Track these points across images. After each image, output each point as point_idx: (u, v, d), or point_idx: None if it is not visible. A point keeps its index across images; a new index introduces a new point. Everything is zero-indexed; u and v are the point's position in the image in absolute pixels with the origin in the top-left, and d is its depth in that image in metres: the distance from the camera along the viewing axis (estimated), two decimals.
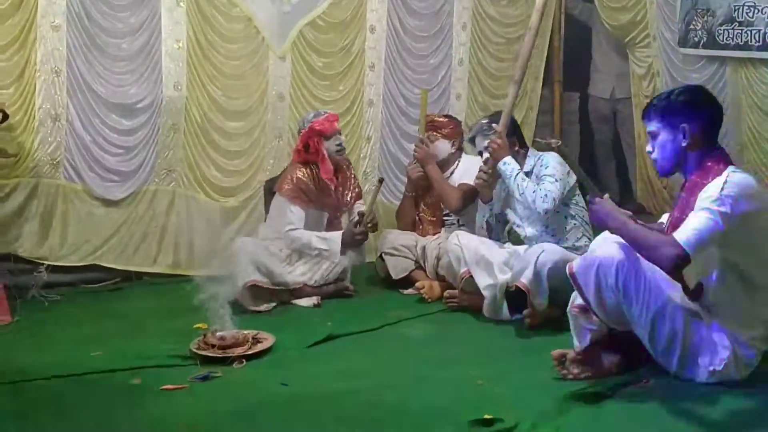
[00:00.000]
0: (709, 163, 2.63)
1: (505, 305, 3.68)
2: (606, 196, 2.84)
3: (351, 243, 4.15)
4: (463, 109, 5.41)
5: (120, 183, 4.43)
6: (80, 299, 4.15)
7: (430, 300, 4.06)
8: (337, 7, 4.92)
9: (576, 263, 2.75)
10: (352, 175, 4.42)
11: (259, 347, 3.18)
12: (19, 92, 4.12)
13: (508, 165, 3.66)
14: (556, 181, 3.63)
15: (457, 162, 4.42)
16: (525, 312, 3.51)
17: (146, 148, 4.47)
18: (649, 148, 2.78)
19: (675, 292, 2.71)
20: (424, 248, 4.35)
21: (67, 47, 4.22)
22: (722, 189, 2.52)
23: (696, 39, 4.83)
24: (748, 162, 4.71)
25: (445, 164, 4.39)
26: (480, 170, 3.82)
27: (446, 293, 3.97)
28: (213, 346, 3.12)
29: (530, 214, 3.72)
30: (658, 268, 2.61)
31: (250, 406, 2.65)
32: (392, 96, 5.20)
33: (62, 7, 4.17)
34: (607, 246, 2.71)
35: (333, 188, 4.24)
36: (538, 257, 3.49)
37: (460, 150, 4.46)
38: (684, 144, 2.65)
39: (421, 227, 4.50)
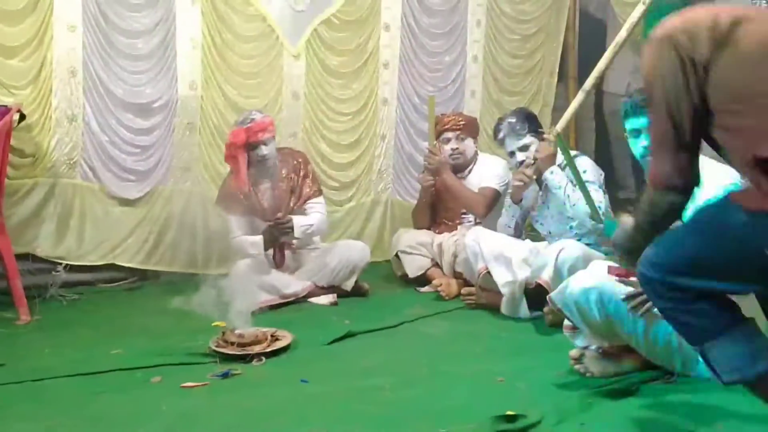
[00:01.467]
0: None
1: (524, 302, 3.66)
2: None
3: (271, 240, 4.08)
4: (478, 106, 5.41)
5: (136, 182, 4.44)
6: (98, 298, 4.17)
7: (447, 297, 4.06)
8: (351, 5, 4.91)
9: (555, 294, 2.77)
10: (307, 175, 4.24)
11: (278, 344, 3.18)
12: (35, 93, 4.14)
13: (555, 174, 3.61)
14: (599, 188, 3.59)
15: (474, 161, 4.41)
16: (546, 309, 3.48)
17: (162, 147, 4.49)
18: (643, 143, 2.74)
19: None
20: (440, 246, 4.33)
21: (83, 47, 4.23)
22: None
23: None
24: None
25: (467, 163, 4.38)
26: (521, 172, 3.75)
27: (463, 290, 3.96)
28: (232, 343, 3.12)
29: (558, 213, 3.69)
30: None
31: (270, 403, 2.65)
32: (407, 94, 5.19)
33: (78, 8, 4.19)
34: (580, 277, 2.71)
35: (263, 193, 4.13)
36: (558, 254, 3.47)
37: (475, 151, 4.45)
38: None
39: (438, 230, 4.48)
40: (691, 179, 1.99)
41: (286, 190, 4.17)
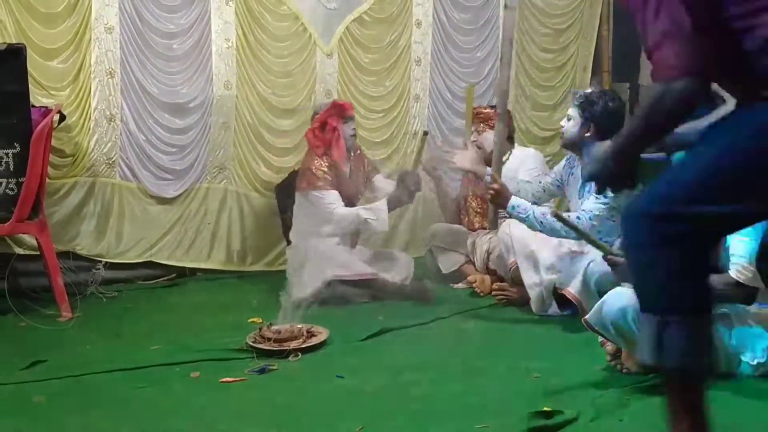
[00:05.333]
0: None
1: (553, 302, 3.64)
2: None
3: (396, 204, 4.10)
4: (510, 101, 5.36)
5: (173, 181, 4.51)
6: (137, 295, 4.24)
7: (482, 294, 4.05)
8: (383, 2, 4.93)
9: (590, 316, 2.74)
10: (364, 158, 4.37)
11: (314, 340, 3.21)
12: (75, 94, 4.22)
13: (517, 208, 3.44)
14: (603, 196, 3.38)
15: (508, 153, 4.37)
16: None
17: (198, 146, 4.55)
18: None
19: None
20: (473, 243, 4.33)
21: (121, 49, 4.30)
22: None
23: None
24: None
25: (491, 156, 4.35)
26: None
27: (494, 285, 3.95)
28: (269, 339, 3.16)
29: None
30: None
31: (307, 398, 2.67)
32: (439, 90, 5.19)
33: (115, 9, 4.26)
34: (616, 297, 2.68)
35: (348, 172, 4.21)
36: (587, 267, 3.44)
37: (510, 140, 4.41)
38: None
39: (467, 219, 4.47)
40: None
41: (361, 173, 4.26)
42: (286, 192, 4.42)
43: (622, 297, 2.65)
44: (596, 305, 2.74)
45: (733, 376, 2.65)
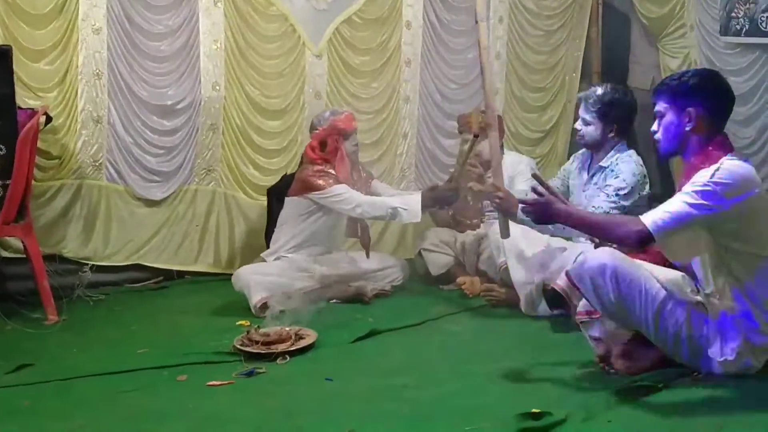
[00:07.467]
0: (710, 149, 2.59)
1: (542, 302, 3.63)
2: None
3: (434, 201, 3.96)
4: (501, 103, 5.36)
5: (161, 183, 4.48)
6: (124, 298, 4.21)
7: (471, 295, 4.04)
8: (373, 3, 4.90)
9: (571, 268, 2.78)
10: (360, 167, 4.31)
11: (303, 343, 3.19)
12: (61, 95, 4.19)
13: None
14: (615, 195, 3.48)
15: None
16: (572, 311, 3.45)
17: (186, 148, 4.52)
18: (654, 127, 2.72)
19: (675, 288, 2.69)
20: (463, 244, 4.32)
21: (108, 50, 4.27)
22: (712, 177, 2.49)
23: (738, 27, 4.73)
24: None
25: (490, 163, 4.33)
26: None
27: (483, 286, 3.94)
28: (257, 342, 3.14)
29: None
30: (656, 267, 2.69)
31: (295, 401, 2.66)
32: (428, 92, 5.17)
33: (102, 11, 4.23)
34: (597, 252, 2.75)
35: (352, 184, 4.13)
36: (576, 259, 3.43)
37: (501, 146, 4.39)
38: (688, 128, 2.61)
39: (460, 229, 4.45)
40: None
41: (360, 182, 4.19)
42: (277, 196, 4.32)
43: (604, 254, 2.70)
44: (579, 258, 2.78)
45: (696, 369, 2.66)
